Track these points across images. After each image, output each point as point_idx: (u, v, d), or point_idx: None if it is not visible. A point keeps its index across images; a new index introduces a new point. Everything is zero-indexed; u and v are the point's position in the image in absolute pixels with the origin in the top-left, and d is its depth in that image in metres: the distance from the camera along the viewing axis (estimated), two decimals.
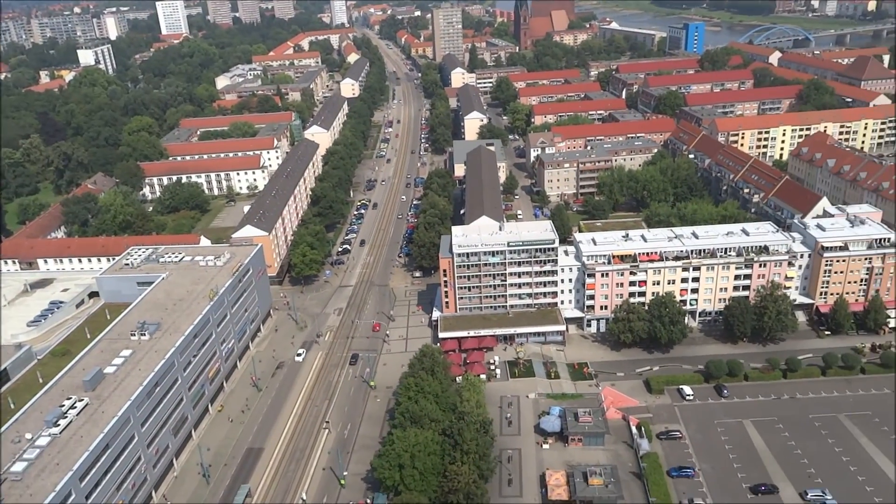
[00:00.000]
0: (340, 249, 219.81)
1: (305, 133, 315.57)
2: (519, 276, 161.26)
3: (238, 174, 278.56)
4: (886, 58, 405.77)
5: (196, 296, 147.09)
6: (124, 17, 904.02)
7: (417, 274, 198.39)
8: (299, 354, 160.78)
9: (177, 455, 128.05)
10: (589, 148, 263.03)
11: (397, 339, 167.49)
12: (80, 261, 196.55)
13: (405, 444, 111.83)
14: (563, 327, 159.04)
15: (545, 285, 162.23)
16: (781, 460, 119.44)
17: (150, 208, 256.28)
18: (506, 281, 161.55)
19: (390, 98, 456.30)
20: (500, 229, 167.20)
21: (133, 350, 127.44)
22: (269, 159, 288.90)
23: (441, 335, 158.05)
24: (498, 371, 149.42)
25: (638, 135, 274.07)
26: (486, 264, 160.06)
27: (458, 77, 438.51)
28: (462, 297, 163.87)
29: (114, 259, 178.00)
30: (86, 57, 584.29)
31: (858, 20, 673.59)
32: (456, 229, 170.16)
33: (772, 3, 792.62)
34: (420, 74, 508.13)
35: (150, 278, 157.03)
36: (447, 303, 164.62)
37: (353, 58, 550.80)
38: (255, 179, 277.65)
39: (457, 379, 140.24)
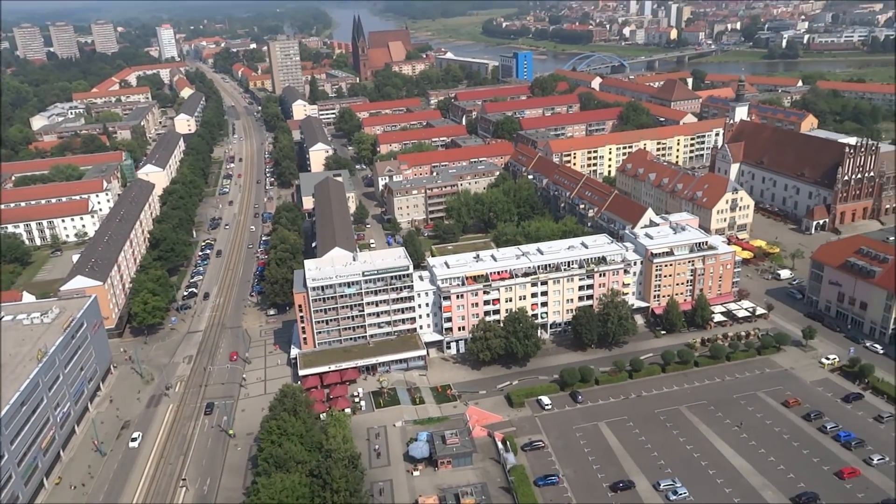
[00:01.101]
0: (186, 293, 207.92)
1: (139, 173, 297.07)
2: (376, 305, 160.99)
3: (63, 221, 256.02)
4: (690, 80, 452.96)
5: (21, 358, 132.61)
6: None
7: (272, 312, 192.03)
8: (134, 439, 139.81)
9: None
10: (435, 174, 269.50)
11: (255, 381, 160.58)
12: None
13: (271, 491, 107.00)
14: (423, 352, 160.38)
15: (403, 312, 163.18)
16: (635, 456, 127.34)
17: None
18: (364, 311, 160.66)
19: (230, 133, 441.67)
20: (354, 259, 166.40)
21: None
22: (99, 203, 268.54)
23: (301, 372, 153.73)
24: (363, 403, 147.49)
25: (480, 159, 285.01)
26: (342, 296, 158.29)
27: (300, 109, 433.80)
28: (320, 332, 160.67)
29: None
30: None
31: (664, 47, 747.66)
32: (309, 263, 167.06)
33: (589, 34, 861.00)
34: (260, 108, 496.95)
35: None
36: (305, 339, 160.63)
37: (186, 92, 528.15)
38: (83, 226, 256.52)
39: (321, 416, 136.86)
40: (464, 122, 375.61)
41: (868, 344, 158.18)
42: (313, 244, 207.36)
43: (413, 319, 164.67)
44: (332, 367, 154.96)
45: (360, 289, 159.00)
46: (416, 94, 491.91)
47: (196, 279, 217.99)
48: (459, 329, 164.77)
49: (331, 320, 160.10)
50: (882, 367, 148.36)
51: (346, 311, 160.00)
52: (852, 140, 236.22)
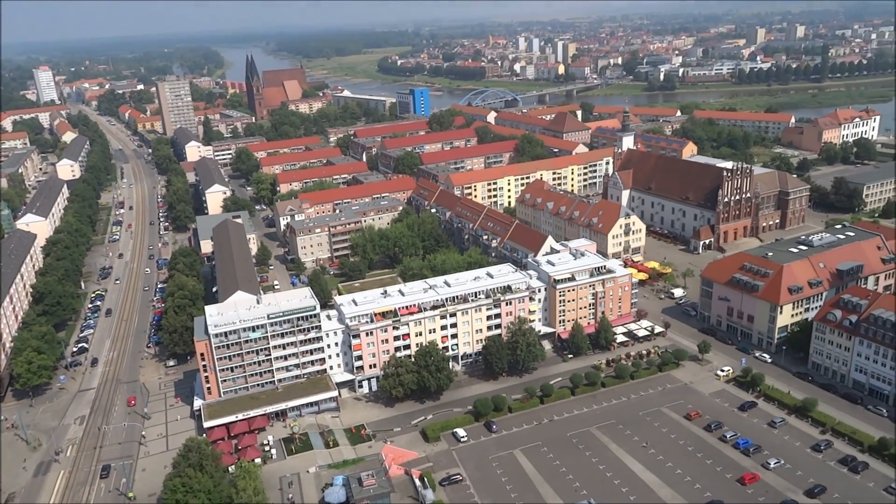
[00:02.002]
0: (76, 349, 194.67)
1: (18, 223, 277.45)
2: (284, 348, 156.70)
3: None
4: (580, 113, 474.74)
5: None
6: None
7: (171, 363, 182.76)
8: None
9: None
10: (338, 211, 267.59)
11: (156, 437, 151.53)
12: None
13: None
14: (335, 393, 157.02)
15: (312, 353, 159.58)
16: (551, 481, 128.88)
17: None
18: (270, 355, 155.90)
19: (119, 177, 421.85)
20: (258, 302, 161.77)
21: None
22: None
23: (206, 424, 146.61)
24: (274, 451, 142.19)
25: (383, 195, 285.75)
26: (247, 341, 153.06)
27: (194, 151, 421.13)
28: (225, 380, 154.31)
29: None
30: None
31: (553, 82, 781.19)
32: (210, 308, 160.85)
33: (482, 70, 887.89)
34: (151, 150, 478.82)
35: None
36: (209, 388, 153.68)
37: (69, 136, 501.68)
38: None
39: (230, 468, 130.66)
40: (364, 159, 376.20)
41: (757, 354, 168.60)
42: (214, 289, 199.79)
43: (322, 360, 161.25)
44: (240, 416, 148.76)
45: (266, 332, 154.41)
46: (315, 132, 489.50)
47: (86, 333, 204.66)
48: (371, 367, 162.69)
49: (236, 367, 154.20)
50: (771, 374, 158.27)
51: (252, 357, 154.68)
52: (729, 164, 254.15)
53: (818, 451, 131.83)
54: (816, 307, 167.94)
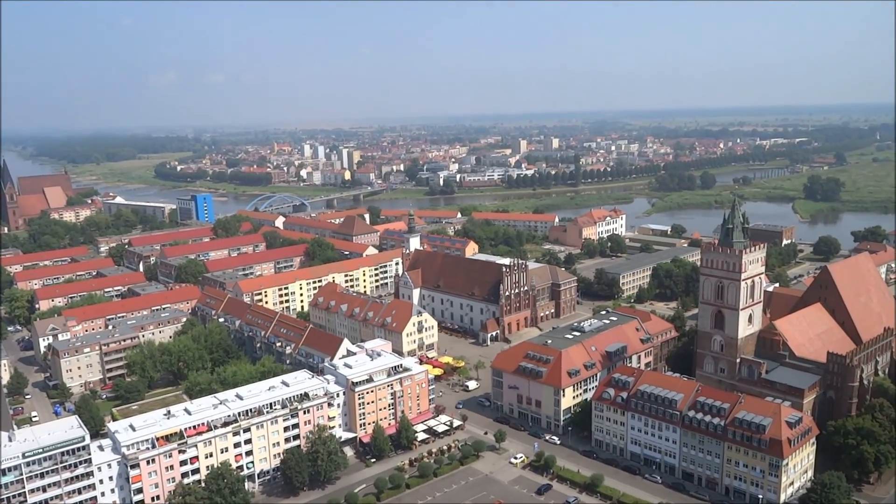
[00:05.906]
0: None
1: None
2: (44, 490, 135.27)
3: None
4: (367, 216, 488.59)
5: None
6: None
7: None
8: None
9: None
10: (111, 327, 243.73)
11: None
12: None
13: None
14: None
15: (80, 492, 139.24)
16: None
17: None
18: (26, 500, 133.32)
19: None
20: (11, 439, 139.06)
21: None
22: None
23: None
24: None
25: (163, 306, 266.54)
26: None
27: None
28: None
29: None
30: None
31: (340, 187, 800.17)
32: None
33: (268, 175, 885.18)
34: None
35: None
36: None
37: None
38: None
39: None
40: (142, 269, 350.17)
41: (547, 437, 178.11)
42: None
43: (94, 499, 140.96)
44: None
45: (21, 474, 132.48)
46: (83, 242, 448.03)
47: None
48: (153, 499, 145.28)
49: None
50: (561, 455, 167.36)
51: None
52: (507, 261, 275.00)
53: None
54: (593, 387, 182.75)
